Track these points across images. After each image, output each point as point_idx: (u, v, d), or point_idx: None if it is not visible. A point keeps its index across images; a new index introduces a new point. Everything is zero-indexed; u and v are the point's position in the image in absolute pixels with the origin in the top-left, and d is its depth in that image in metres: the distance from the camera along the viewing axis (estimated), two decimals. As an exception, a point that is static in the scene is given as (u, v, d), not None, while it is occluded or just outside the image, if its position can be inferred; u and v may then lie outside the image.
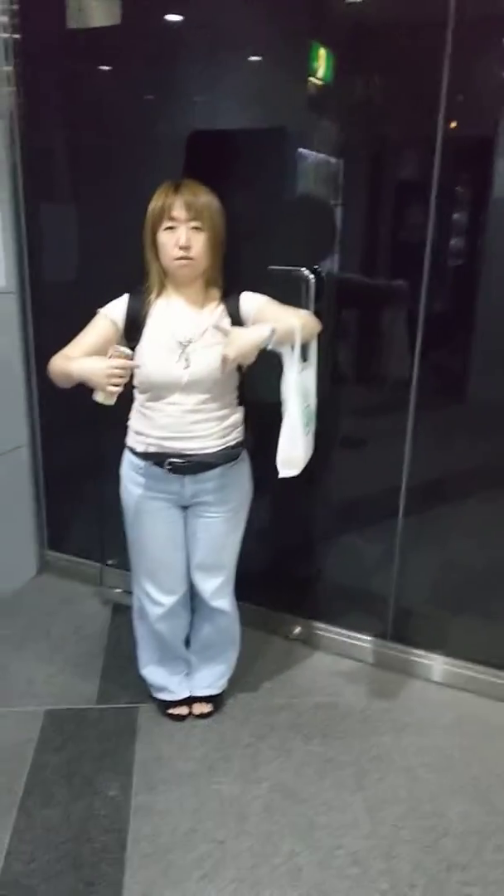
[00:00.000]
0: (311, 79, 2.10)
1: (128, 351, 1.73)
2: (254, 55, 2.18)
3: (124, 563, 2.80)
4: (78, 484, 2.92)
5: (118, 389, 1.69)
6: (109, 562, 2.88)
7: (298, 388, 1.77)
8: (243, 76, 2.23)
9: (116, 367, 1.67)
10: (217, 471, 1.89)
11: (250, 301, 1.85)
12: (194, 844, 1.77)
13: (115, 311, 1.85)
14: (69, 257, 2.65)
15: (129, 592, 2.78)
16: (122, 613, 2.72)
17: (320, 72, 2.10)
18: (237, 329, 1.74)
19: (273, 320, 1.73)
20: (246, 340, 1.67)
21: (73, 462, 2.89)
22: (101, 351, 1.78)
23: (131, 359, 1.72)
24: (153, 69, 2.27)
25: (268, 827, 1.82)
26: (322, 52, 2.09)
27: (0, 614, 2.69)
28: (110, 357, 1.71)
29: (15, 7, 2.39)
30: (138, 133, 2.34)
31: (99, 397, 1.72)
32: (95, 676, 2.37)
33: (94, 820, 1.83)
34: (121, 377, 1.68)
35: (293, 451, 1.79)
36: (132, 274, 2.36)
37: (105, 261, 2.51)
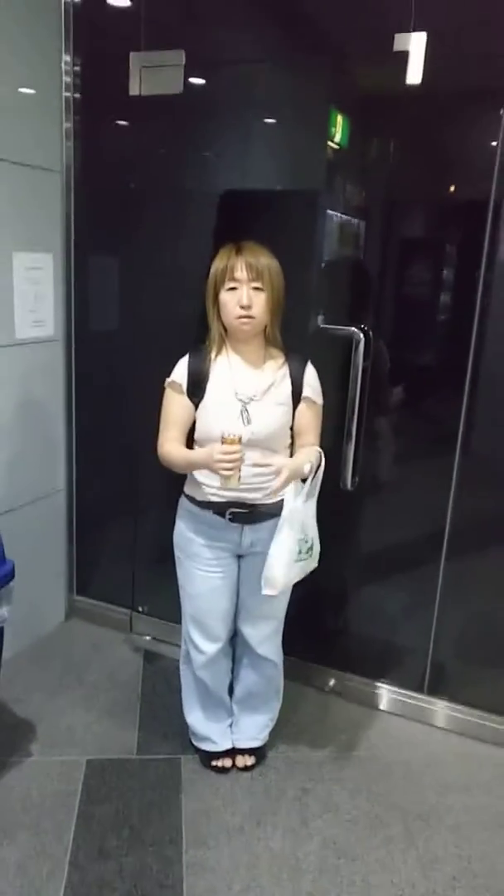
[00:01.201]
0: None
1: (237, 432, 1.77)
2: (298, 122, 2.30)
3: (155, 611, 2.84)
4: (109, 531, 2.93)
5: (231, 473, 1.76)
6: (140, 608, 2.88)
7: (297, 518, 1.88)
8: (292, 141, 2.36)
9: (224, 454, 1.74)
10: (275, 520, 1.92)
11: (311, 384, 1.93)
12: (251, 902, 1.75)
13: (180, 376, 1.89)
14: (112, 308, 2.72)
15: (159, 640, 2.80)
16: (153, 661, 2.72)
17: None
18: (286, 464, 1.82)
19: (305, 432, 1.93)
20: (292, 475, 1.82)
21: (106, 509, 2.91)
22: (192, 421, 1.89)
23: (240, 440, 1.76)
24: (202, 133, 2.38)
25: (324, 885, 1.81)
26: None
27: (32, 659, 2.67)
28: (222, 442, 1.76)
29: (77, 69, 2.50)
30: (182, 191, 2.45)
31: (221, 482, 1.79)
32: (133, 726, 2.35)
33: (147, 875, 1.80)
34: (232, 462, 1.74)
35: (273, 572, 1.87)
36: (171, 325, 2.45)
37: (145, 312, 2.60)
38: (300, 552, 1.91)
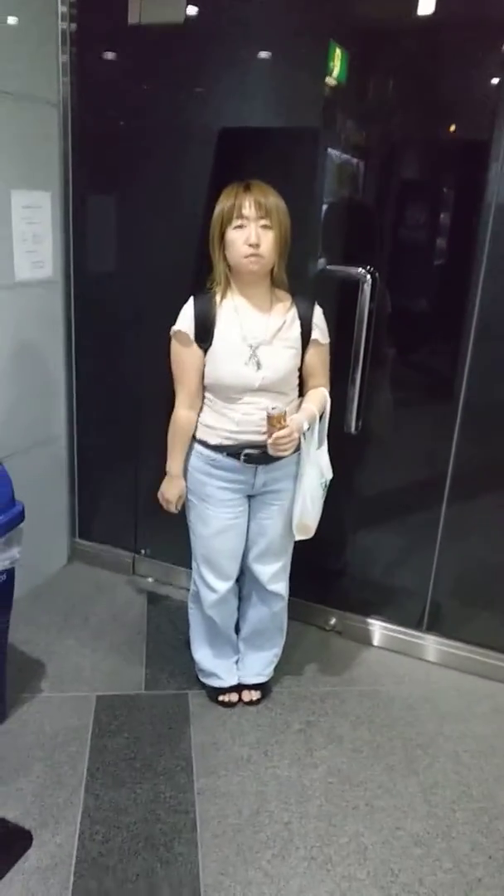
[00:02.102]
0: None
1: (282, 408, 1.83)
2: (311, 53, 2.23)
3: (158, 553, 2.88)
4: (111, 475, 2.94)
5: (288, 450, 1.88)
6: (143, 551, 2.91)
7: (315, 465, 1.97)
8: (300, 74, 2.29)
9: (281, 437, 1.83)
10: (287, 459, 1.95)
11: (319, 325, 1.94)
12: (261, 825, 1.83)
13: (186, 324, 1.87)
14: (111, 248, 2.67)
15: (161, 582, 2.85)
16: (157, 602, 2.76)
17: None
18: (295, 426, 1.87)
19: (315, 373, 1.97)
20: (296, 431, 1.88)
21: (107, 453, 2.92)
22: (203, 367, 1.90)
23: (286, 415, 1.82)
24: (203, 66, 2.31)
25: (329, 809, 1.89)
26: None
27: (37, 602, 2.71)
28: (268, 421, 1.81)
29: (74, -2, 2.41)
30: (183, 127, 2.39)
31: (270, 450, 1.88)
32: (140, 664, 2.41)
33: (160, 801, 1.87)
34: (290, 441, 1.84)
35: (306, 520, 2.01)
36: (171, 267, 2.41)
37: (146, 252, 2.55)
38: (322, 493, 2.03)
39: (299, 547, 2.13)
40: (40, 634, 2.51)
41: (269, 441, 1.83)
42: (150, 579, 2.89)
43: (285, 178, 2.17)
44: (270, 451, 1.86)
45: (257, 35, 2.25)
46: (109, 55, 2.47)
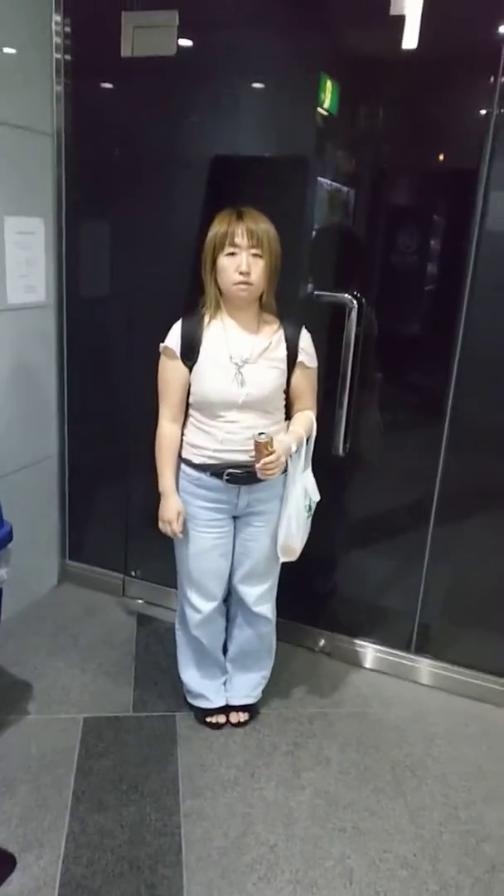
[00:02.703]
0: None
1: (269, 434, 1.85)
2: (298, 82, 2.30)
3: (147, 575, 2.89)
4: (102, 496, 2.96)
5: (275, 475, 1.90)
6: (133, 573, 2.92)
7: (300, 487, 2.00)
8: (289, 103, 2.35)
9: (267, 463, 1.84)
10: (271, 481, 1.97)
11: (306, 348, 1.98)
12: (247, 848, 1.82)
13: (174, 341, 1.92)
14: (104, 273, 2.72)
15: (151, 604, 2.85)
16: (146, 624, 2.76)
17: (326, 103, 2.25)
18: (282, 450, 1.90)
19: (301, 396, 2.00)
20: (283, 454, 1.90)
21: (98, 475, 2.93)
22: (188, 385, 1.93)
23: (272, 441, 1.85)
24: (194, 96, 2.37)
25: (315, 831, 1.88)
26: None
27: (26, 623, 2.71)
28: (255, 447, 1.83)
29: (68, 29, 2.47)
30: (175, 156, 2.45)
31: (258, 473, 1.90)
32: (128, 685, 2.40)
33: (146, 824, 1.87)
34: (276, 466, 1.86)
35: (291, 542, 2.04)
36: (162, 291, 2.45)
37: (137, 278, 2.60)
38: (307, 515, 2.05)
39: (289, 568, 2.15)
40: (29, 655, 2.51)
41: (258, 466, 1.86)
42: (140, 601, 2.89)
43: (275, 206, 2.22)
44: (259, 475, 1.89)
45: (246, 66, 2.32)
46: (103, 86, 2.53)
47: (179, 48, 2.32)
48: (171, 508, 1.99)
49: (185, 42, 2.32)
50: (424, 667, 2.52)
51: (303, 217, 2.37)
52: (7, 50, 2.29)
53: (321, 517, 2.12)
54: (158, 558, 2.59)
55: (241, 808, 1.94)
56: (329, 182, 2.36)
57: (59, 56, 2.48)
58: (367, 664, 2.59)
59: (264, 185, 2.34)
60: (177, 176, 2.48)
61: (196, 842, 1.82)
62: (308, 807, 1.96)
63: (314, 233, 2.40)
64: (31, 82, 2.41)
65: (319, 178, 2.34)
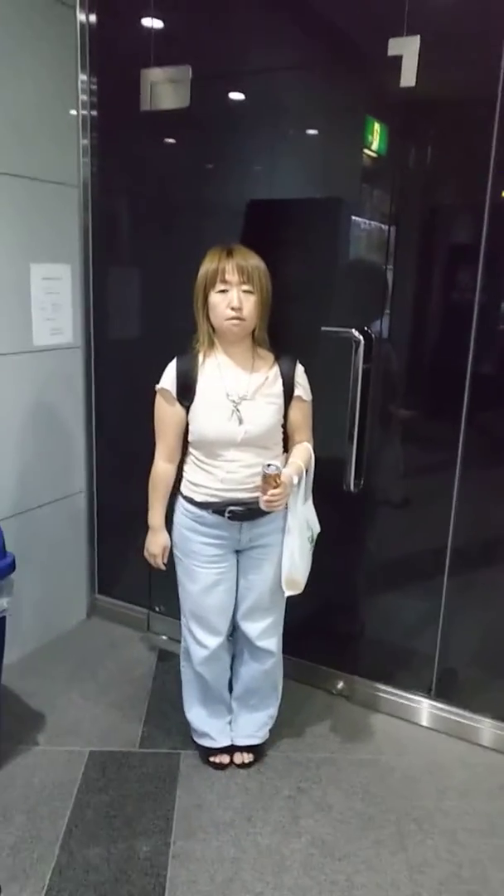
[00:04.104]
0: (366, 151, 2.25)
1: (278, 467, 1.85)
2: (309, 129, 2.35)
3: (171, 611, 2.90)
4: (128, 530, 3.00)
5: (279, 507, 1.90)
6: (157, 608, 2.94)
7: (302, 519, 1.98)
8: (299, 149, 2.40)
9: (273, 496, 1.84)
10: (273, 515, 1.97)
11: (301, 383, 1.98)
12: (232, 894, 1.77)
13: (169, 382, 1.96)
14: (129, 316, 2.81)
15: (174, 640, 2.85)
16: (167, 660, 2.77)
17: (374, 144, 2.25)
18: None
19: (298, 430, 2.01)
20: (288, 487, 1.89)
21: (125, 509, 2.99)
22: (184, 426, 1.97)
23: (280, 476, 1.85)
24: (213, 145, 2.46)
25: (305, 882, 1.81)
26: (376, 126, 2.24)
27: (50, 655, 2.77)
28: (263, 478, 1.84)
29: (94, 87, 2.62)
30: (196, 202, 2.53)
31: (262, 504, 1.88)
32: (139, 721, 2.41)
33: (133, 862, 1.85)
34: (281, 499, 1.86)
35: (295, 575, 2.01)
36: (186, 332, 2.51)
37: (160, 320, 2.67)
38: (310, 547, 2.04)
39: (309, 608, 2.11)
40: (46, 687, 2.56)
41: (264, 499, 1.86)
42: (163, 637, 2.90)
43: (301, 246, 2.27)
44: (263, 507, 1.88)
45: (253, 113, 2.39)
46: (126, 138, 2.65)
47: (193, 99, 2.41)
48: (158, 543, 2.03)
49: (199, 94, 2.42)
50: (444, 714, 2.41)
51: (330, 256, 2.40)
52: (37, 109, 2.45)
53: (340, 555, 2.09)
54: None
55: (232, 852, 1.90)
56: (364, 221, 2.38)
57: (84, 112, 2.63)
58: (386, 709, 2.50)
59: (292, 226, 2.38)
60: (196, 220, 2.56)
61: (180, 884, 1.79)
62: (301, 855, 1.89)
63: (339, 270, 2.40)
64: (58, 138, 2.56)
65: (353, 217, 2.35)
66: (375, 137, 2.27)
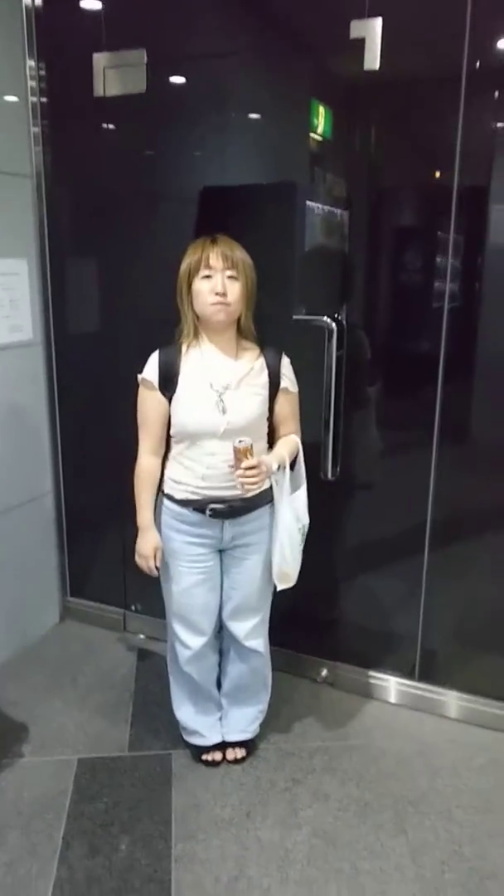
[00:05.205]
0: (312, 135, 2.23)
1: (248, 441, 1.80)
2: (265, 114, 2.30)
3: (148, 609, 2.85)
4: (100, 531, 2.94)
5: (255, 487, 1.85)
6: (133, 607, 2.89)
7: (290, 512, 1.96)
8: (255, 135, 2.36)
9: (247, 471, 1.79)
10: (256, 513, 1.94)
11: (287, 374, 1.96)
12: (239, 893, 1.75)
13: (151, 372, 1.90)
14: (90, 310, 2.73)
15: (153, 638, 2.81)
16: (147, 659, 2.73)
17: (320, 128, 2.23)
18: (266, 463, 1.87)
19: (285, 421, 1.98)
20: (264, 468, 1.84)
21: (95, 510, 2.92)
22: (167, 416, 1.91)
23: (251, 448, 1.80)
24: (170, 132, 2.39)
25: (311, 873, 1.81)
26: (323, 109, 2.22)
27: (26, 662, 2.69)
28: (235, 454, 1.79)
29: (43, 73, 2.51)
30: (154, 191, 2.46)
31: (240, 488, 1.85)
32: (125, 723, 2.36)
33: (136, 869, 1.81)
34: (256, 476, 1.80)
35: (286, 569, 1.99)
36: (151, 323, 2.45)
37: (123, 313, 2.60)
38: (300, 540, 2.01)
39: (289, 597, 2.10)
40: (27, 696, 2.49)
41: (237, 474, 1.81)
42: (141, 636, 2.86)
43: (264, 233, 2.23)
44: (237, 487, 1.84)
45: (215, 97, 2.33)
46: (79, 126, 2.56)
47: (150, 84, 2.34)
48: (148, 543, 1.97)
49: (156, 78, 2.34)
50: (430, 695, 2.44)
51: (290, 243, 2.36)
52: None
53: (319, 543, 2.08)
54: (158, 592, 2.56)
55: (234, 850, 1.88)
56: (318, 206, 2.35)
57: (34, 99, 2.53)
58: (371, 694, 2.52)
59: (251, 212, 2.33)
60: (158, 209, 2.49)
61: (187, 887, 1.77)
62: (305, 847, 1.89)
63: (302, 257, 2.37)
64: (7, 126, 2.45)
65: (308, 202, 2.32)
66: (321, 121, 2.24)
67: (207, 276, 1.81)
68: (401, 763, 2.20)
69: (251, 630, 2.07)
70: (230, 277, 1.81)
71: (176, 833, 1.93)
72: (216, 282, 1.80)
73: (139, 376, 1.92)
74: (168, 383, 1.88)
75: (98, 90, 2.41)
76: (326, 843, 1.90)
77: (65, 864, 1.83)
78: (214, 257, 1.80)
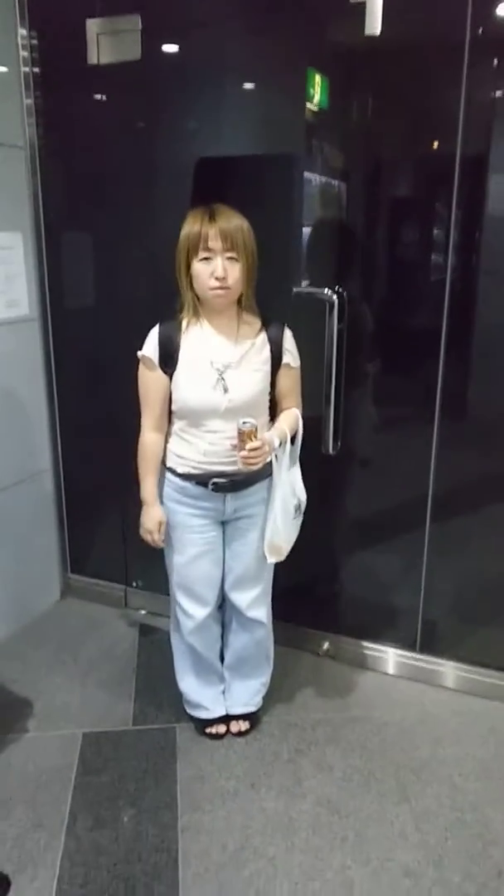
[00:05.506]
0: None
1: (253, 423, 1.79)
2: (264, 82, 2.26)
3: (149, 585, 2.86)
4: (100, 508, 2.93)
5: (258, 466, 1.84)
6: (134, 583, 2.90)
7: (286, 485, 1.95)
8: (252, 103, 2.32)
9: (251, 452, 1.79)
10: (257, 486, 1.94)
11: (289, 349, 1.94)
12: (245, 861, 1.78)
13: (151, 349, 1.87)
14: (87, 285, 2.69)
15: (154, 614, 2.82)
16: (149, 634, 2.74)
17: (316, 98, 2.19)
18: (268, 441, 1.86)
19: (287, 396, 1.96)
20: (266, 445, 1.84)
21: (95, 486, 2.91)
22: (168, 393, 1.89)
23: (256, 430, 1.79)
24: (167, 101, 2.34)
25: (316, 842, 1.83)
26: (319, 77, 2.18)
27: (27, 639, 2.70)
28: (239, 436, 1.78)
29: (35, 42, 2.46)
30: (153, 161, 2.42)
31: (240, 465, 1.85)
32: (129, 698, 2.38)
33: (142, 840, 1.83)
34: (259, 456, 1.81)
35: (277, 541, 1.99)
36: (148, 298, 2.43)
37: (120, 287, 2.57)
38: (294, 514, 2.00)
39: (291, 570, 2.10)
40: (28, 672, 2.49)
41: (241, 454, 1.80)
42: (142, 612, 2.87)
43: (263, 205, 2.20)
44: (240, 466, 1.83)
45: (213, 65, 2.28)
46: (73, 95, 2.50)
47: (145, 51, 2.29)
48: (152, 518, 1.96)
49: (152, 46, 2.29)
50: (431, 666, 2.46)
51: (291, 215, 2.33)
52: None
53: (321, 517, 2.08)
54: (159, 568, 2.56)
55: (240, 820, 1.90)
56: (318, 177, 2.32)
57: (27, 69, 2.47)
58: (373, 666, 2.54)
59: (250, 184, 2.30)
60: (155, 181, 2.45)
61: (193, 857, 1.79)
62: (309, 816, 1.91)
63: (305, 229, 2.34)
64: (0, 97, 2.40)
65: (307, 174, 2.28)
66: (318, 91, 2.20)
67: (206, 258, 1.77)
68: (403, 733, 2.22)
69: (253, 600, 2.08)
70: (230, 259, 1.77)
71: (182, 804, 1.95)
72: (216, 265, 1.76)
73: (139, 353, 1.90)
74: (168, 360, 1.86)
75: (92, 58, 2.36)
76: (330, 812, 1.93)
77: (72, 836, 1.85)
78: (213, 237, 1.74)
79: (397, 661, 2.51)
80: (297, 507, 2.02)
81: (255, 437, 1.79)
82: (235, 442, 1.81)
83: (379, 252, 2.34)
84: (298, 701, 2.36)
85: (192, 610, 2.06)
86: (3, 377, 2.54)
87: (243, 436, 1.78)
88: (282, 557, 2.02)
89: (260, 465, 1.85)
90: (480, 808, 1.94)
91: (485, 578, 2.37)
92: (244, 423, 1.78)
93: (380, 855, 1.80)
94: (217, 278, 1.76)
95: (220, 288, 1.77)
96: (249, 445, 1.78)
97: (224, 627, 2.20)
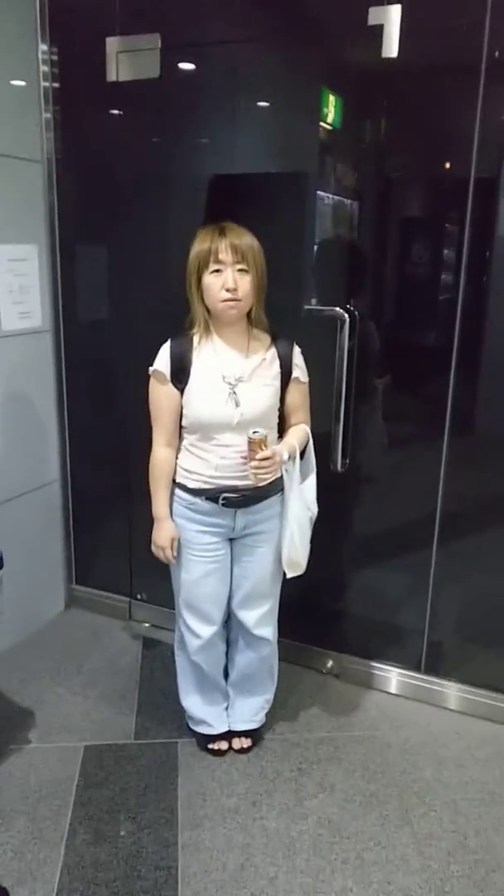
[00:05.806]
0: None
1: (263, 432, 1.79)
2: (277, 101, 2.28)
3: (154, 598, 2.85)
4: (106, 519, 2.94)
5: (270, 477, 1.85)
6: (139, 596, 2.89)
7: (300, 500, 1.96)
8: (268, 122, 2.34)
9: (262, 462, 1.79)
10: (267, 501, 1.94)
11: (299, 364, 1.95)
12: (246, 881, 1.76)
13: (163, 364, 1.88)
14: (100, 298, 2.71)
15: (157, 627, 2.81)
16: (152, 648, 2.73)
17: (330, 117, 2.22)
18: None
19: (296, 411, 1.97)
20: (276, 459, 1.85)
21: (102, 498, 2.92)
22: (180, 408, 1.90)
23: (266, 440, 1.80)
24: (184, 117, 2.37)
25: (317, 863, 1.82)
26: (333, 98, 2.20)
27: (31, 649, 2.70)
28: (249, 445, 1.79)
29: (55, 57, 2.49)
30: (168, 177, 2.44)
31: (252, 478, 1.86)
32: (131, 712, 2.37)
33: (142, 857, 1.82)
34: (270, 466, 1.81)
35: (295, 557, 1.98)
36: (160, 313, 2.44)
37: (132, 301, 2.59)
38: (309, 527, 2.02)
39: (296, 588, 2.10)
40: (33, 683, 2.49)
41: (252, 464, 1.80)
42: (146, 624, 2.86)
43: (275, 222, 2.21)
44: (251, 478, 1.84)
45: (229, 83, 2.31)
46: (91, 111, 2.54)
47: (164, 69, 2.32)
48: (164, 534, 1.96)
49: (170, 63, 2.32)
50: (435, 687, 2.44)
51: (302, 232, 2.34)
52: (-4, 81, 2.32)
53: (327, 534, 2.08)
54: (164, 581, 2.56)
55: (240, 838, 1.88)
56: (329, 195, 2.33)
57: (46, 84, 2.50)
58: (377, 685, 2.52)
59: (263, 201, 2.32)
60: (169, 196, 2.47)
61: (193, 875, 1.77)
62: (310, 836, 1.90)
63: (315, 247, 2.36)
64: (20, 111, 2.44)
65: (319, 192, 2.30)
66: (332, 111, 2.22)
67: (217, 271, 1.79)
68: (406, 754, 2.21)
69: (260, 618, 2.07)
70: (240, 271, 1.79)
71: (182, 821, 1.93)
72: (226, 277, 1.78)
73: (150, 368, 1.91)
74: (180, 375, 1.87)
75: (111, 75, 2.39)
76: (332, 833, 1.91)
77: (71, 850, 1.83)
78: (224, 250, 1.77)
79: (402, 682, 2.49)
80: (311, 520, 2.02)
81: (266, 446, 1.79)
82: (246, 454, 1.81)
83: (390, 271, 2.35)
84: (301, 719, 2.35)
85: (199, 629, 2.05)
86: (14, 388, 2.56)
87: (253, 445, 1.78)
88: (301, 572, 2.02)
89: (271, 478, 1.86)
90: (484, 834, 1.92)
91: (492, 600, 2.35)
92: (254, 432, 1.78)
93: (381, 878, 1.78)
94: (228, 289, 1.78)
95: (231, 300, 1.79)
96: (260, 455, 1.78)
97: (229, 645, 2.19)
